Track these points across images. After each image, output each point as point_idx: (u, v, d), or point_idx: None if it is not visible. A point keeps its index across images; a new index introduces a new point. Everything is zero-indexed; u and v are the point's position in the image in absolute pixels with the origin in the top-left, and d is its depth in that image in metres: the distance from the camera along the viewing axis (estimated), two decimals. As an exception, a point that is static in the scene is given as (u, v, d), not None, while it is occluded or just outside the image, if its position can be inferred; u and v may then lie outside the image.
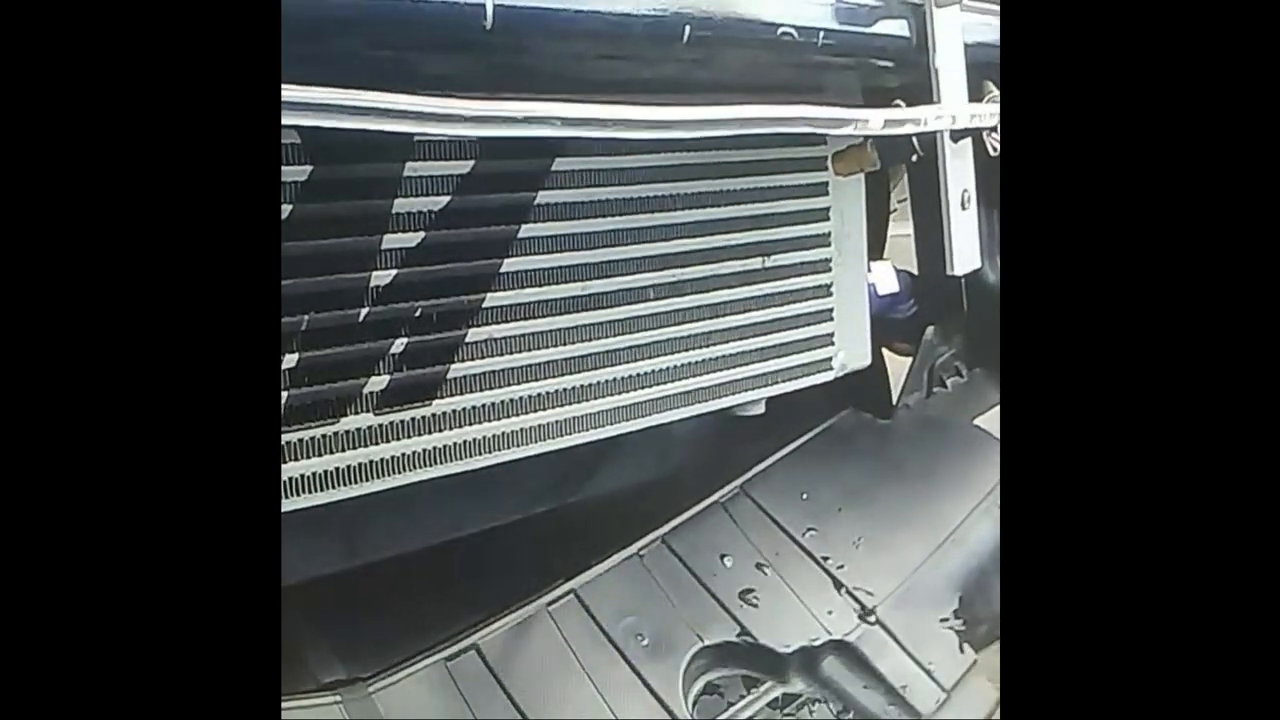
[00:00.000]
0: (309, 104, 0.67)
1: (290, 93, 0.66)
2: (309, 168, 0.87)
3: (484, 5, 0.78)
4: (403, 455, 0.96)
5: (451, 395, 0.99)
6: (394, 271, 0.93)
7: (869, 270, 1.41)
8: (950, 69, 1.07)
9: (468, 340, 0.99)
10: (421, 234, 0.94)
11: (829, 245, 1.30)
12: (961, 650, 1.25)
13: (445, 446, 0.99)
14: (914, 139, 1.11)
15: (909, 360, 1.60)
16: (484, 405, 1.01)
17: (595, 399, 1.09)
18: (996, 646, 1.29)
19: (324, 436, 0.92)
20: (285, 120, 0.65)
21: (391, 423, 0.95)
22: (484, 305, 0.99)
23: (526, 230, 1.01)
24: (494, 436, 1.02)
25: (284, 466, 0.89)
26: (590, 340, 1.08)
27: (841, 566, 1.29)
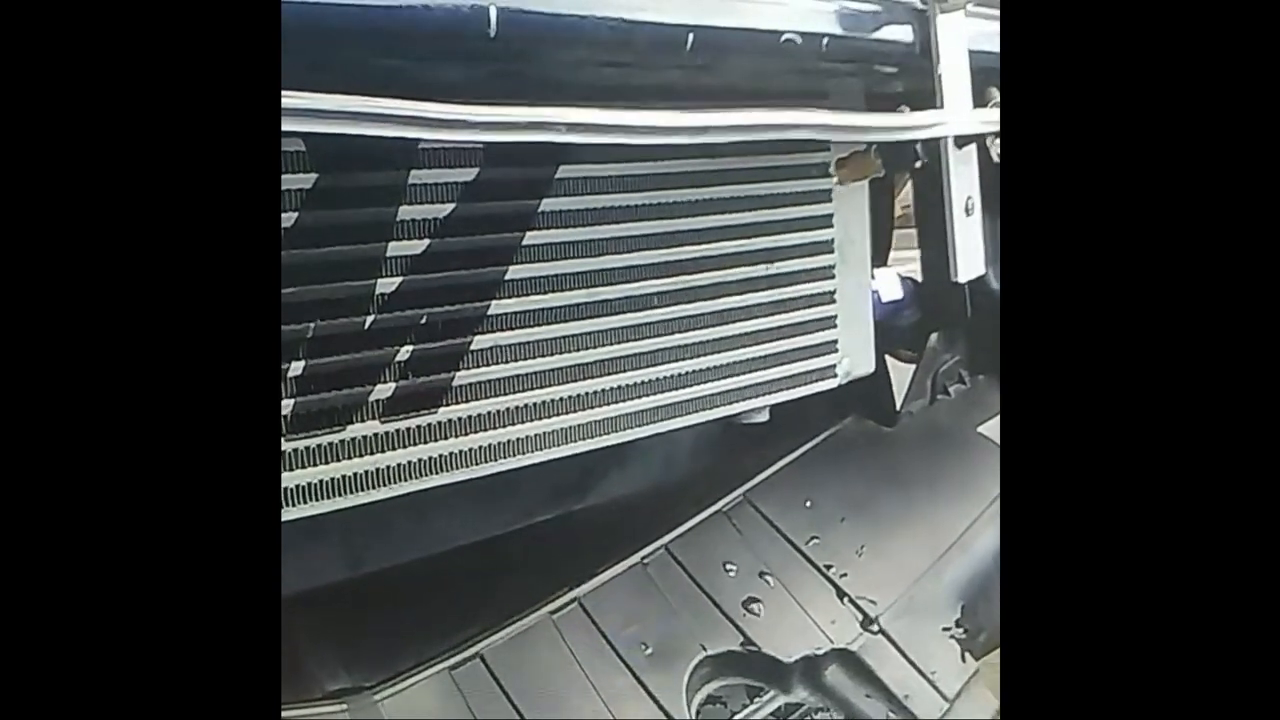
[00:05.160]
0: (314, 111, 0.68)
1: (295, 100, 0.66)
2: (314, 176, 0.87)
3: (488, 12, 0.78)
4: (408, 463, 0.96)
5: (457, 402, 0.98)
6: (399, 279, 0.93)
7: (873, 277, 1.41)
8: (954, 75, 1.07)
9: (473, 347, 0.99)
10: (426, 241, 0.94)
11: (832, 252, 1.29)
12: (963, 659, 1.25)
13: (451, 454, 0.98)
14: (918, 145, 1.11)
15: (913, 367, 1.60)
16: (489, 412, 1.01)
17: (600, 406, 1.09)
18: (996, 655, 1.28)
19: (330, 444, 0.91)
20: (291, 127, 0.65)
21: (397, 430, 0.95)
22: (489, 312, 0.99)
23: (531, 237, 1.01)
24: (499, 444, 1.02)
25: (289, 474, 0.89)
26: (595, 347, 1.07)
27: (844, 575, 1.28)
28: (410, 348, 0.95)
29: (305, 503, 0.90)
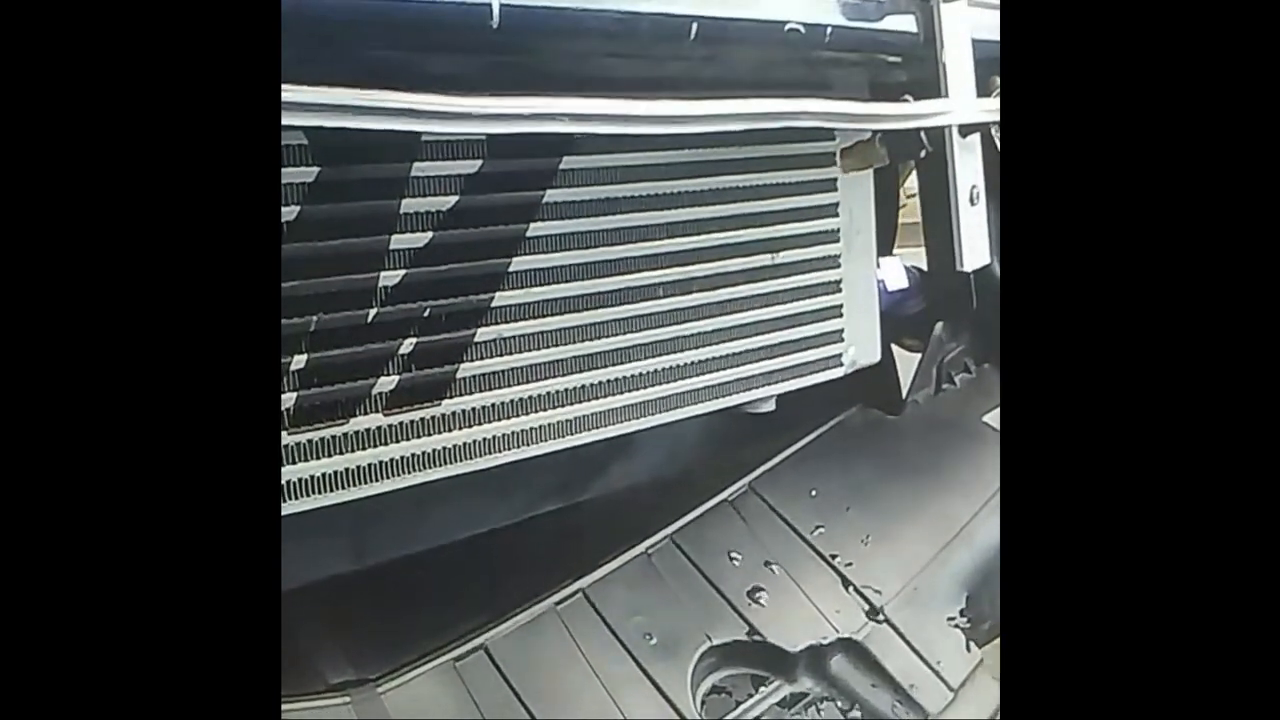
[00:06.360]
0: (316, 104, 0.67)
1: (297, 93, 0.65)
2: (316, 169, 0.87)
3: (490, 4, 0.78)
4: (412, 455, 0.96)
5: (460, 395, 0.98)
6: (402, 272, 0.93)
7: (878, 266, 1.41)
8: (958, 64, 1.07)
9: (476, 340, 0.99)
10: (429, 234, 0.94)
11: (838, 241, 1.29)
12: (968, 649, 1.25)
13: (454, 446, 0.98)
14: (922, 134, 1.11)
15: (918, 357, 1.60)
16: (493, 404, 1.01)
17: (604, 397, 1.09)
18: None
19: (333, 437, 0.91)
20: (293, 121, 0.65)
21: (401, 423, 0.95)
22: (492, 304, 0.99)
23: (534, 229, 1.01)
24: (503, 436, 1.02)
25: (294, 468, 0.89)
26: (599, 338, 1.07)
27: (850, 564, 1.28)
28: (414, 340, 0.95)
29: (309, 495, 0.90)
